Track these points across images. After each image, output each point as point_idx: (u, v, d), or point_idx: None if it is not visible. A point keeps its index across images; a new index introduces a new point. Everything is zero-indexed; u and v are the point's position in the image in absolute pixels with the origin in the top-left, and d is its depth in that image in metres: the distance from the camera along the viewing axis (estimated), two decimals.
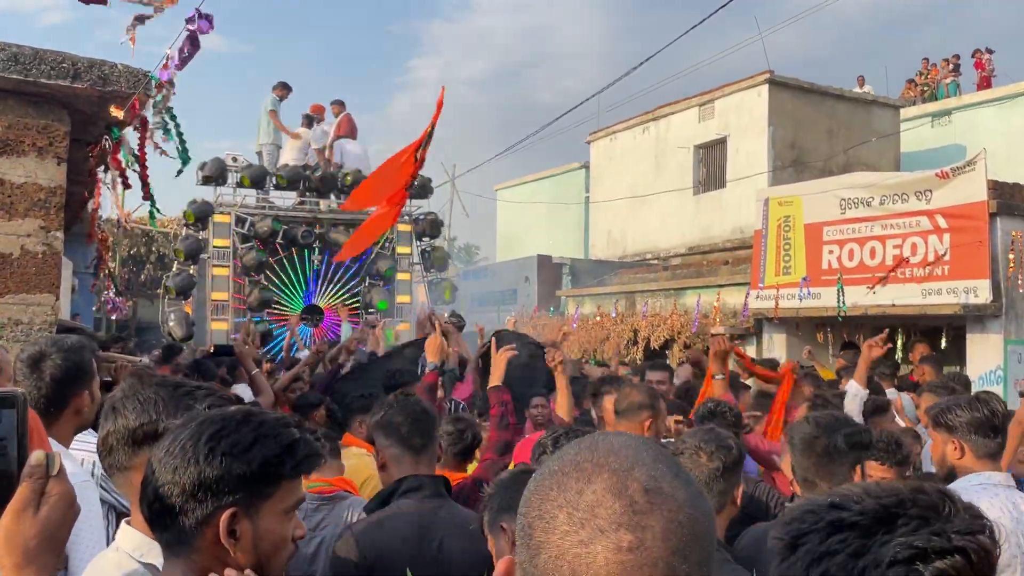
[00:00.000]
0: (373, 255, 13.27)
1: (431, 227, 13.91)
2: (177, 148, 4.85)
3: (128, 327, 19.87)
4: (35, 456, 1.15)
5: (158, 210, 5.51)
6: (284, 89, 13.47)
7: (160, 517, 1.37)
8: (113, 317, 16.35)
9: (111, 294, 13.19)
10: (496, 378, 3.83)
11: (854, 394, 4.68)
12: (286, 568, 1.47)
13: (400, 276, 13.60)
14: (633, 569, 0.76)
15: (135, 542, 1.57)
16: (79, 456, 2.54)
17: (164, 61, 3.79)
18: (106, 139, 4.74)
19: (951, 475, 2.86)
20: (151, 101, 4.25)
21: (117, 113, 4.22)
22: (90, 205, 7.21)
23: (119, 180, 5.45)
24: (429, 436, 2.69)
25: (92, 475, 2.46)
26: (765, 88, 15.68)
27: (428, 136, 6.18)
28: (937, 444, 2.88)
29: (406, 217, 13.61)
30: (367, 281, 13.38)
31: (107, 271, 11.21)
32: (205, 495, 1.35)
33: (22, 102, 4.52)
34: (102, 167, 5.17)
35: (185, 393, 1.69)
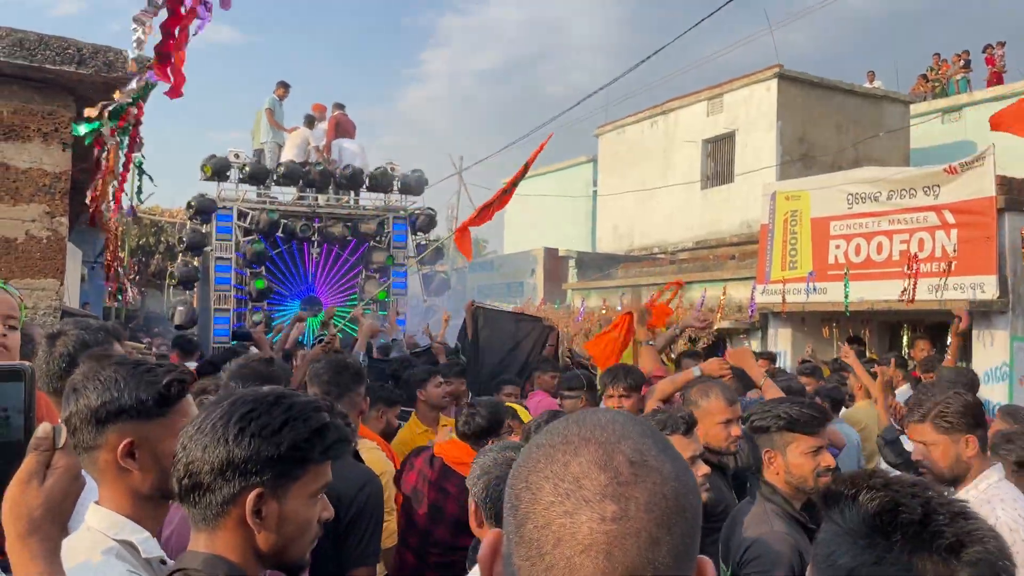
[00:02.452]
0: (369, 247, 13.53)
1: (426, 221, 14.12)
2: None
3: (137, 317, 19.98)
4: (42, 428, 1.15)
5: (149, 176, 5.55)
6: (284, 88, 13.76)
7: (189, 493, 1.40)
8: (126, 306, 16.50)
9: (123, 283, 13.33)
10: None
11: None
12: (311, 548, 1.49)
13: (395, 269, 13.81)
14: (616, 539, 0.76)
15: (108, 521, 1.58)
16: None
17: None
18: (105, 125, 4.75)
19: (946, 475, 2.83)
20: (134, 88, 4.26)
21: (120, 99, 4.23)
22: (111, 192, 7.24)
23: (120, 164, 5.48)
24: (346, 387, 3.10)
25: None
26: (774, 82, 15.62)
27: (523, 174, 6.71)
28: (945, 446, 2.77)
29: (402, 212, 13.84)
30: (364, 273, 13.63)
31: (116, 262, 11.27)
32: (233, 474, 1.37)
33: (27, 88, 4.55)
34: (104, 153, 5.19)
35: (147, 370, 1.68)
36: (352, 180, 13.42)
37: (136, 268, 19.58)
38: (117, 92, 4.48)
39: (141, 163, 4.97)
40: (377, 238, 13.60)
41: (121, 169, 5.74)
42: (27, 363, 1.21)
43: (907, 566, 1.02)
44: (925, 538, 1.03)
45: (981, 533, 1.05)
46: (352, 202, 13.98)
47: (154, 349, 10.47)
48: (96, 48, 4.47)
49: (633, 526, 0.76)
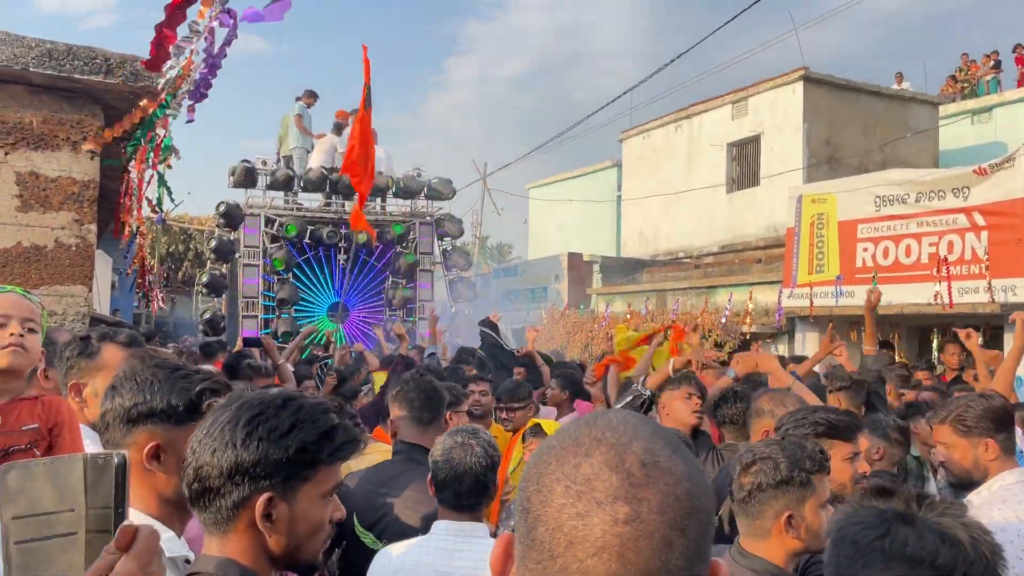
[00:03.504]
0: (396, 253, 13.56)
1: (452, 227, 14.14)
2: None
3: (166, 323, 20.23)
4: (121, 529, 1.05)
5: (172, 198, 5.61)
6: (311, 97, 13.90)
7: (199, 497, 1.39)
8: (154, 313, 16.70)
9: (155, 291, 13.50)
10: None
11: None
12: (323, 549, 1.48)
13: (422, 274, 13.81)
14: (629, 541, 0.75)
15: (133, 518, 1.60)
16: None
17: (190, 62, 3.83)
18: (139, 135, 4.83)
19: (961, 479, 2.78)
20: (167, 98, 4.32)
21: (147, 107, 4.29)
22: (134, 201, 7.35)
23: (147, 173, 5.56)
24: (437, 411, 3.06)
25: None
26: (800, 85, 15.50)
27: (366, 100, 6.28)
28: (963, 449, 2.74)
29: (428, 217, 13.84)
30: (390, 279, 13.64)
31: (149, 271, 11.40)
32: (242, 479, 1.36)
33: (56, 97, 4.63)
34: (132, 162, 5.27)
35: (182, 376, 1.70)
36: (379, 187, 13.46)
37: (165, 275, 19.86)
38: (145, 101, 4.55)
39: (162, 175, 5.04)
40: (403, 244, 13.62)
41: (147, 178, 5.82)
42: (121, 452, 1.12)
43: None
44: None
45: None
46: (379, 208, 14.03)
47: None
48: (123, 58, 4.54)
49: (646, 528, 0.76)
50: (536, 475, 0.82)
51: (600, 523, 0.76)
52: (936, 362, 9.97)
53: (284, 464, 1.38)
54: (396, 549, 2.44)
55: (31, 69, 4.37)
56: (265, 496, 1.36)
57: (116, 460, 1.10)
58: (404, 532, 2.69)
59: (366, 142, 6.29)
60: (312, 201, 13.97)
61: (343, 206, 13.65)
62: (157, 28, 3.71)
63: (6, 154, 4.52)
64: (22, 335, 2.40)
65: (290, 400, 1.45)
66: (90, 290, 4.72)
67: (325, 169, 13.24)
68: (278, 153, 14.28)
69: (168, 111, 4.37)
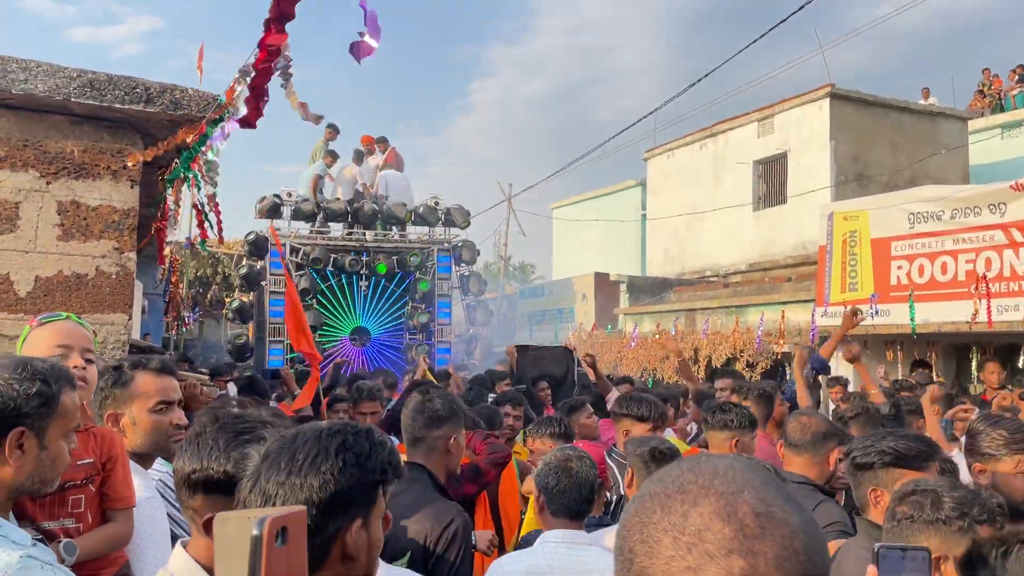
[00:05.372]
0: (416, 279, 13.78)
1: (468, 253, 14.37)
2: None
3: (195, 346, 20.37)
4: None
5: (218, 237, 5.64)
6: (333, 131, 14.14)
7: None
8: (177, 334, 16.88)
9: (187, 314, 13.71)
10: None
11: None
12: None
13: (439, 299, 13.97)
14: None
15: (183, 564, 1.58)
16: (156, 475, 2.57)
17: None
18: (176, 163, 4.84)
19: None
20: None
21: (186, 137, 4.30)
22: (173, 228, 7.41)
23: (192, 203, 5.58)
24: (422, 432, 3.04)
25: (163, 495, 2.49)
26: (826, 102, 15.41)
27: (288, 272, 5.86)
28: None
29: (446, 244, 14.05)
30: (409, 304, 13.91)
31: (179, 296, 11.56)
32: (338, 510, 1.33)
33: (97, 127, 4.66)
34: (169, 189, 5.29)
35: (243, 442, 1.64)
36: (398, 217, 13.76)
37: (194, 299, 20.04)
38: (182, 131, 4.56)
39: (203, 204, 5.08)
40: (422, 270, 13.89)
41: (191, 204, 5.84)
42: (263, 520, 0.93)
43: None
44: None
45: None
46: (398, 236, 14.27)
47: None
48: (163, 87, 4.56)
49: None
50: (639, 524, 0.78)
51: None
52: (976, 381, 9.79)
53: (371, 487, 1.37)
54: (519, 557, 2.60)
55: (73, 99, 4.40)
56: (358, 523, 1.34)
57: (253, 531, 0.93)
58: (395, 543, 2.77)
59: (298, 316, 5.82)
60: (336, 229, 14.23)
61: (364, 234, 13.90)
62: (250, 88, 3.70)
63: (48, 183, 4.55)
64: (84, 367, 2.36)
65: (350, 426, 1.45)
66: (130, 318, 4.73)
67: (348, 201, 13.55)
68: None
69: (216, 129, 4.35)
